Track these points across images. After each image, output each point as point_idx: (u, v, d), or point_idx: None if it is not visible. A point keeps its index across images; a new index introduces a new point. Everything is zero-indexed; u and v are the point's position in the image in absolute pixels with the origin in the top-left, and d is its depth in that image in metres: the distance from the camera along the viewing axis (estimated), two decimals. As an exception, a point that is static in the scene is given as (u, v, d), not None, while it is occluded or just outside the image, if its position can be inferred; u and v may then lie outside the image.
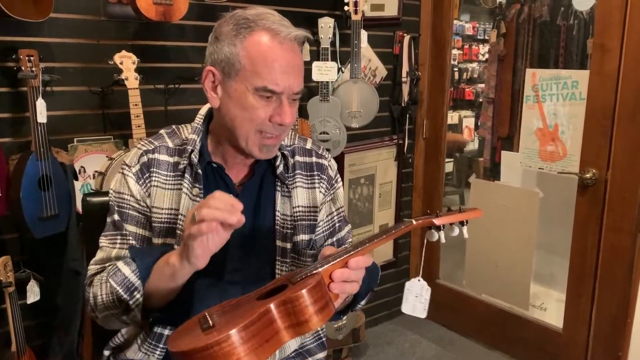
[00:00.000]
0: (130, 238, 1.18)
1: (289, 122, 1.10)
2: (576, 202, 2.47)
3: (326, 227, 1.30)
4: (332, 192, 1.30)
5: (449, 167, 4.98)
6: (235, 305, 0.92)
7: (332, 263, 0.95)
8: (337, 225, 1.33)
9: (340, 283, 0.96)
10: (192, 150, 1.17)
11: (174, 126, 1.24)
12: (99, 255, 1.20)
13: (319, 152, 1.31)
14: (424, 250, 1.10)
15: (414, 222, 1.07)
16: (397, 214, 3.12)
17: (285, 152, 1.23)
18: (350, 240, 1.36)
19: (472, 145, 5.45)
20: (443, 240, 1.09)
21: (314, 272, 0.93)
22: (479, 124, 4.97)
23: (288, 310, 0.86)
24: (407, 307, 1.20)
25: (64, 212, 1.88)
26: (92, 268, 1.21)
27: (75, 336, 2.01)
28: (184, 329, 0.90)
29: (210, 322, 0.86)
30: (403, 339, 3.05)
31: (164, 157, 1.19)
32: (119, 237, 1.19)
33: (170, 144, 1.21)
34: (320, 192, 1.27)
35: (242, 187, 1.20)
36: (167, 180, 1.18)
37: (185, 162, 1.17)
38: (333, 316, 1.19)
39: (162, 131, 1.24)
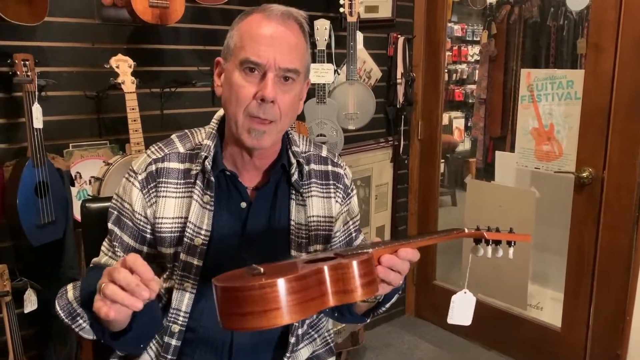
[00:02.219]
0: (119, 250, 1.15)
1: (269, 95, 1.03)
2: (573, 201, 2.48)
3: (342, 237, 1.28)
4: (348, 201, 1.28)
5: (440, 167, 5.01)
6: (283, 264, 0.93)
7: (383, 247, 0.97)
8: (353, 234, 1.31)
9: (386, 269, 0.96)
10: (206, 157, 1.12)
11: (187, 130, 1.21)
12: (99, 256, 1.19)
13: (335, 160, 1.28)
14: (469, 263, 1.11)
15: (466, 230, 1.09)
16: (394, 216, 3.12)
17: (300, 160, 1.19)
18: None
19: (463, 146, 5.48)
20: (489, 255, 1.10)
21: (365, 251, 0.94)
22: (469, 124, 5.00)
23: (338, 276, 0.87)
24: (452, 318, 1.20)
25: (61, 218, 1.85)
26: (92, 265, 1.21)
27: (74, 346, 1.97)
28: (230, 274, 0.89)
29: (261, 269, 0.87)
30: (401, 341, 3.05)
31: (174, 165, 1.15)
32: (111, 247, 1.17)
33: (182, 149, 1.17)
34: (336, 201, 1.24)
35: (256, 193, 1.17)
36: (177, 188, 1.14)
37: (198, 168, 1.13)
38: (357, 318, 1.20)
39: (173, 135, 1.20)
